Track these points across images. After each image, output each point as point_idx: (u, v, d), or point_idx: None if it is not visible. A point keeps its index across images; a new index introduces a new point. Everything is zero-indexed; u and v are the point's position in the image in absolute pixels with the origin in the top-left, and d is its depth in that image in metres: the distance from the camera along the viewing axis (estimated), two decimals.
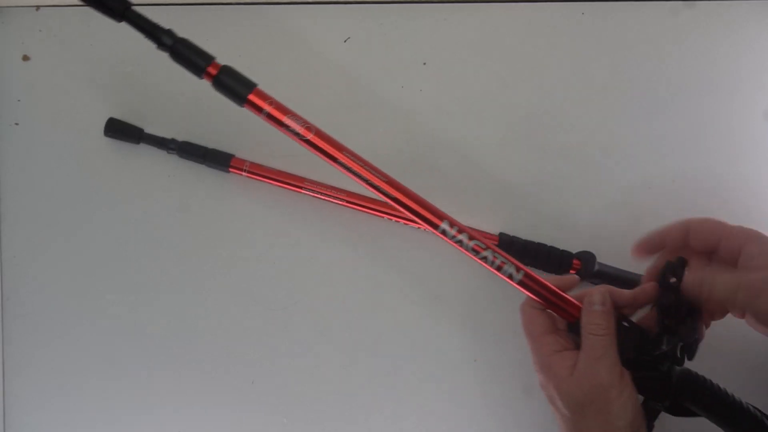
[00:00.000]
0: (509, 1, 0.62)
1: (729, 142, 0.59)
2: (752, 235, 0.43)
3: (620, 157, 0.59)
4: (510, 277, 0.45)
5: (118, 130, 0.59)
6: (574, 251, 0.56)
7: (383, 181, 0.45)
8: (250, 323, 0.58)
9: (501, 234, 0.57)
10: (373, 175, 0.45)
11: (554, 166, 0.59)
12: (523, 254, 0.56)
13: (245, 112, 0.60)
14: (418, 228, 0.57)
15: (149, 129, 0.59)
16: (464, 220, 0.57)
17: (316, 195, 0.57)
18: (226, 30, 0.62)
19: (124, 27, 0.62)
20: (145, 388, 0.58)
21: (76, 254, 0.60)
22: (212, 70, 0.43)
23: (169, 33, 0.42)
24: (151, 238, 0.59)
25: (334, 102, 0.61)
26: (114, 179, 0.60)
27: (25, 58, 0.63)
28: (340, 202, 0.57)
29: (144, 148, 0.59)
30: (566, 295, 0.46)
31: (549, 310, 0.47)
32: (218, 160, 0.58)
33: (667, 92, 0.60)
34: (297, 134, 0.44)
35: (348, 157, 0.44)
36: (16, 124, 0.62)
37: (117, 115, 0.59)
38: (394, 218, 0.57)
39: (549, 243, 0.56)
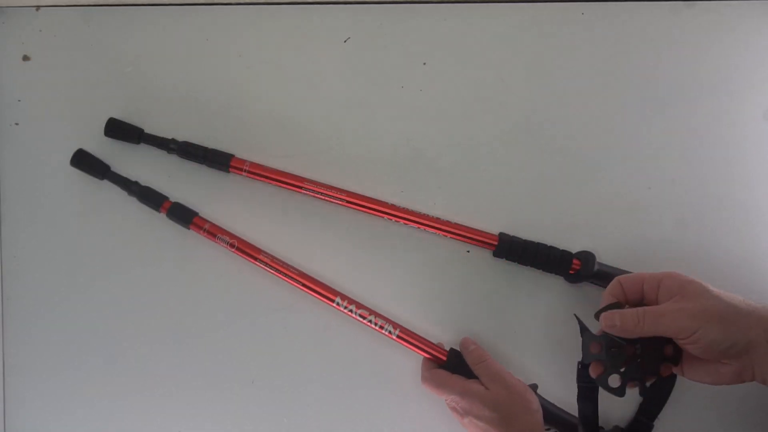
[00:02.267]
0: (509, 1, 0.62)
1: (729, 141, 0.59)
2: (667, 274, 0.47)
3: (620, 157, 0.59)
4: (390, 333, 0.55)
5: (118, 130, 0.59)
6: (574, 251, 0.56)
7: (296, 273, 0.57)
8: (250, 323, 0.58)
9: (501, 234, 0.57)
10: (289, 270, 0.57)
11: (554, 166, 0.59)
12: (523, 254, 0.56)
13: (244, 113, 0.61)
14: (418, 228, 0.57)
15: (149, 129, 0.59)
16: (464, 220, 0.58)
17: (315, 195, 0.57)
18: (227, 29, 0.62)
19: (124, 27, 0.63)
20: (145, 387, 0.58)
21: (76, 254, 0.60)
22: (167, 205, 0.58)
23: (137, 183, 0.58)
24: (151, 238, 0.59)
25: (334, 102, 0.61)
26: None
27: (25, 58, 0.63)
28: (340, 202, 0.57)
29: (144, 148, 0.59)
30: (431, 342, 0.55)
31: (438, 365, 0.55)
32: (218, 160, 0.58)
33: (666, 92, 0.60)
34: (227, 243, 0.57)
35: (266, 258, 0.57)
36: (16, 124, 0.62)
37: (117, 115, 0.60)
38: (394, 218, 0.57)
39: (549, 243, 0.56)
